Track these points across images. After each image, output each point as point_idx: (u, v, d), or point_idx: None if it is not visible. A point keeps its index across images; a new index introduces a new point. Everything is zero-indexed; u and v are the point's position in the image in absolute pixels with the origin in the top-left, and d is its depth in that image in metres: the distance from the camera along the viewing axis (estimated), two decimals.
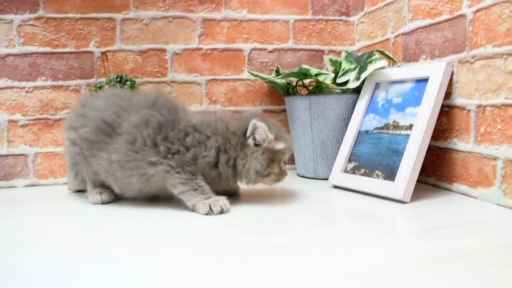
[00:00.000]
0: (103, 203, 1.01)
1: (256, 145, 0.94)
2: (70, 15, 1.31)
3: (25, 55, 1.29)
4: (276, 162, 0.96)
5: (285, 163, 0.99)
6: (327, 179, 1.16)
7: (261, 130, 0.93)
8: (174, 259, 0.63)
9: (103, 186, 1.02)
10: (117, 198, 1.03)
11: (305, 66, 1.23)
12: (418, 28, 1.12)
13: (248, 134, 0.94)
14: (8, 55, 1.28)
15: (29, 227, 0.84)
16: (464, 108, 0.97)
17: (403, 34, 1.18)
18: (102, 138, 0.95)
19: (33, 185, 1.29)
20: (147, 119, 0.93)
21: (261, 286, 0.53)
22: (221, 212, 0.88)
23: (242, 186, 1.03)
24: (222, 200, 0.90)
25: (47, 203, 1.06)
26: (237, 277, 0.56)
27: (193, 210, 0.91)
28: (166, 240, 0.73)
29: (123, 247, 0.69)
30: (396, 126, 1.03)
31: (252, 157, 0.94)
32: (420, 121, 0.97)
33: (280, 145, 0.95)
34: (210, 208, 0.88)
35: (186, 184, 0.91)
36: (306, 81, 1.32)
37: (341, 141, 1.16)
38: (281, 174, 0.98)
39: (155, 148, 0.92)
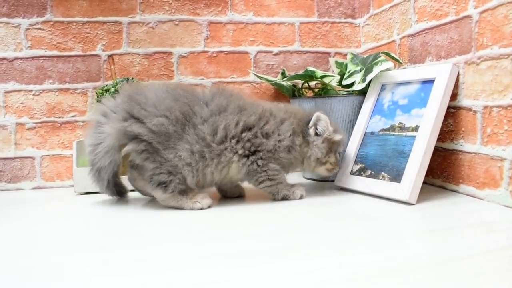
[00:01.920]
0: (209, 206, 0.96)
1: (316, 134, 1.04)
2: (77, 18, 1.32)
3: (33, 58, 1.30)
4: (333, 152, 1.06)
5: (339, 154, 1.09)
6: (333, 181, 1.16)
7: (323, 122, 1.03)
8: (177, 260, 0.63)
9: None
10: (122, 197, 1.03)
11: (310, 68, 1.23)
12: (424, 30, 1.11)
13: (310, 124, 1.04)
14: (15, 58, 1.29)
15: (36, 229, 0.84)
16: (470, 109, 0.96)
17: (409, 35, 1.18)
18: (180, 128, 0.93)
19: (40, 188, 1.30)
20: (226, 105, 0.97)
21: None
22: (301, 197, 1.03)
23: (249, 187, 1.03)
24: (300, 187, 1.04)
25: (54, 205, 1.07)
26: (240, 279, 0.55)
27: (282, 199, 1.01)
28: (166, 239, 0.73)
29: (131, 248, 0.70)
30: (402, 128, 1.03)
31: (313, 145, 1.04)
32: (426, 123, 0.96)
33: (338, 137, 1.06)
34: (301, 194, 1.03)
35: (273, 180, 1.00)
36: (312, 83, 1.32)
37: (347, 143, 1.16)
38: (336, 164, 1.08)
39: (236, 139, 0.96)
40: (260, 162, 0.97)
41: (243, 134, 0.96)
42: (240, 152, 0.96)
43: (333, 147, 1.06)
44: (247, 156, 0.97)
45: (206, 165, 0.95)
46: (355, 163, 1.10)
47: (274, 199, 1.02)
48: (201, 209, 0.94)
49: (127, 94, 0.97)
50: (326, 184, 1.20)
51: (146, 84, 1.04)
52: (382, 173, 1.01)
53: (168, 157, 0.92)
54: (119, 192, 1.05)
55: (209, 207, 0.95)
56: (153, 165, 0.93)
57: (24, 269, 0.61)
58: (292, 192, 1.02)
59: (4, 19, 1.28)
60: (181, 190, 0.94)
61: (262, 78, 1.33)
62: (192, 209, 0.94)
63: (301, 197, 1.02)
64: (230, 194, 1.07)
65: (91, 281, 0.56)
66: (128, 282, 0.55)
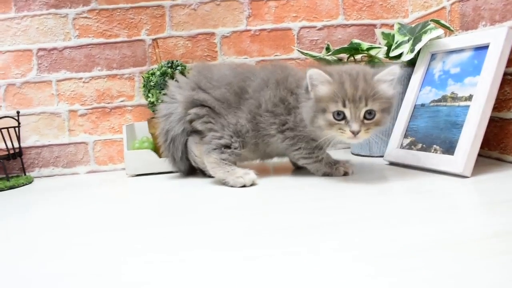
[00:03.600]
0: (252, 184, 0.96)
1: None
2: (121, 5, 1.34)
3: (81, 47, 1.33)
4: (321, 111, 0.90)
5: (339, 114, 0.88)
6: (382, 156, 1.13)
7: (316, 75, 0.89)
8: (226, 236, 0.64)
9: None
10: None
11: (356, 41, 1.19)
12: None
13: (310, 88, 0.91)
14: (65, 48, 1.33)
15: (93, 209, 0.87)
16: None
17: (460, 0, 1.12)
18: (237, 100, 1.02)
19: (94, 171, 1.35)
20: (267, 79, 1.01)
21: (317, 260, 0.52)
22: (345, 174, 1.00)
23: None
24: (346, 164, 1.01)
25: (108, 187, 1.10)
26: (292, 252, 0.55)
27: (325, 175, 1.00)
28: (215, 214, 0.73)
29: (192, 227, 0.71)
30: (454, 98, 0.98)
31: (302, 106, 0.95)
32: (481, 91, 0.91)
33: (321, 91, 0.90)
34: (345, 171, 1.00)
35: (308, 158, 1.01)
36: (358, 57, 1.28)
37: (396, 117, 1.12)
38: (330, 125, 0.89)
39: (273, 114, 0.99)
40: (288, 141, 0.99)
41: (275, 108, 0.98)
42: (275, 127, 0.99)
43: (320, 106, 0.90)
44: (281, 132, 0.99)
45: (255, 136, 1.01)
46: (405, 136, 1.07)
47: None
48: (244, 186, 0.94)
49: (197, 69, 1.10)
50: (375, 159, 1.17)
51: (214, 63, 1.16)
52: (434, 146, 0.98)
53: (231, 121, 1.01)
54: (191, 168, 1.12)
55: (252, 184, 0.95)
56: (216, 126, 1.02)
57: (81, 246, 0.63)
58: (335, 169, 1.00)
59: (52, 10, 1.32)
60: (233, 161, 1.00)
61: (306, 54, 1.30)
62: (234, 184, 0.95)
63: (345, 174, 0.99)
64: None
65: (143, 258, 0.57)
66: (181, 259, 0.56)
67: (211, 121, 1.02)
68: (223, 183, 0.97)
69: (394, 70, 0.90)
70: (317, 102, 0.90)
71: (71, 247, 0.64)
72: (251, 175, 0.95)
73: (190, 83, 1.06)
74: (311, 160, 1.00)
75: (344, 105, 0.87)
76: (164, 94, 1.13)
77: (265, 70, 1.04)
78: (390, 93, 0.91)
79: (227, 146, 1.00)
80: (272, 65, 1.06)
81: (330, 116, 0.89)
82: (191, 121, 1.05)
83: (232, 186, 0.95)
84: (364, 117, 0.88)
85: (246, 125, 1.00)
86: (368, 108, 0.88)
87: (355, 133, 0.87)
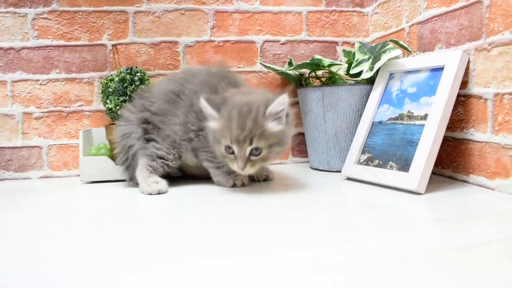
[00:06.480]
0: (158, 193, 0.99)
1: None
2: (83, 8, 1.31)
3: (39, 48, 1.30)
4: (217, 142, 0.94)
5: (229, 148, 0.92)
6: (340, 171, 1.14)
7: (204, 108, 0.95)
8: (187, 246, 0.63)
9: (158, 175, 1.05)
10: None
11: (317, 57, 1.21)
12: (433, 17, 1.09)
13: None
14: (22, 48, 1.29)
15: (43, 216, 0.84)
16: (481, 97, 0.94)
17: (418, 23, 1.16)
18: (173, 106, 1.05)
19: (47, 177, 1.30)
20: (205, 83, 1.04)
21: (273, 274, 0.52)
22: (243, 185, 1.04)
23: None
24: (241, 176, 1.03)
25: (61, 193, 1.07)
26: (248, 264, 0.55)
27: (218, 184, 1.06)
28: (169, 228, 0.72)
29: (139, 234, 0.69)
30: (410, 117, 1.01)
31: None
32: (435, 111, 0.94)
33: (212, 124, 0.95)
34: (234, 183, 1.03)
35: (211, 162, 1.04)
36: (319, 73, 1.30)
37: (355, 133, 1.15)
38: (223, 156, 0.95)
39: (197, 116, 1.02)
40: (200, 142, 1.02)
41: (199, 113, 1.01)
42: (194, 129, 1.03)
43: (216, 136, 0.95)
44: (198, 135, 1.03)
45: (183, 139, 1.05)
46: (363, 152, 1.09)
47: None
48: (150, 194, 0.98)
49: (139, 94, 1.13)
50: (333, 174, 1.19)
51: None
52: (390, 162, 1.00)
53: (168, 133, 1.04)
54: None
55: (158, 193, 0.98)
56: (158, 138, 1.05)
57: (28, 254, 0.61)
58: (226, 180, 1.04)
59: (11, 9, 1.28)
60: (161, 172, 1.04)
61: (269, 67, 1.31)
62: (142, 192, 1.00)
63: (233, 186, 1.03)
64: (258, 178, 1.12)
65: (93, 265, 0.55)
66: (130, 267, 0.55)
67: (154, 133, 1.06)
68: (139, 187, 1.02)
69: (283, 100, 0.91)
70: (213, 132, 0.95)
71: (13, 256, 0.61)
72: (159, 185, 0.99)
73: (139, 107, 1.09)
74: (213, 165, 1.04)
75: (232, 142, 0.91)
76: (122, 101, 1.17)
77: (204, 73, 1.08)
78: (278, 129, 0.92)
79: (162, 157, 1.04)
80: (215, 68, 1.10)
81: (222, 149, 0.93)
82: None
83: (142, 192, 1.00)
84: (251, 153, 0.92)
85: (181, 132, 1.04)
86: (253, 146, 0.91)
87: (240, 169, 0.92)
